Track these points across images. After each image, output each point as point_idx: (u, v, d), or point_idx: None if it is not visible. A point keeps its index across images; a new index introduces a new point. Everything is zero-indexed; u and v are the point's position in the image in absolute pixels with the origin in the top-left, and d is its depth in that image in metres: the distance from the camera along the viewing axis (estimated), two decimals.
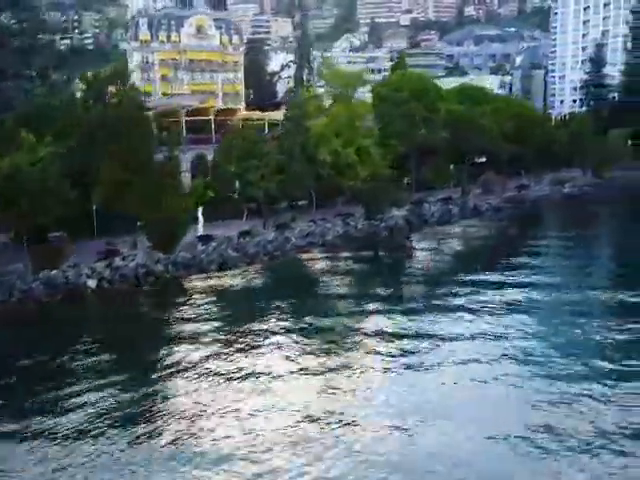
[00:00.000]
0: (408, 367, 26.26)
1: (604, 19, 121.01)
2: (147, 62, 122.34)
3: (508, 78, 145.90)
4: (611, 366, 25.74)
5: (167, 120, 74.36)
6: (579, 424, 21.04)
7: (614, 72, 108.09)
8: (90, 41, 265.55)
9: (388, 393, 24.07)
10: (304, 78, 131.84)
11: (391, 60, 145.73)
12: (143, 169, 42.37)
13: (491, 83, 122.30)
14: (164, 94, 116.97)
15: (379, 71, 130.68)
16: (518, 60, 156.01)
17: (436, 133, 60.30)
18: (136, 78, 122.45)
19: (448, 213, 63.50)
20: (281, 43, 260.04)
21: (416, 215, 61.50)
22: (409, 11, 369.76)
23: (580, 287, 38.60)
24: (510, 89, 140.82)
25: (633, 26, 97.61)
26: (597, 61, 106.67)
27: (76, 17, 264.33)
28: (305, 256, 49.16)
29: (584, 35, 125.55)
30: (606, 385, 23.89)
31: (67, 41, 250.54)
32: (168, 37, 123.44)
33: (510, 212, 68.66)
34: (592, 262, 48.94)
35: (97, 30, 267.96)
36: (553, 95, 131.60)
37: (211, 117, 77.81)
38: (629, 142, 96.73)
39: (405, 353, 27.77)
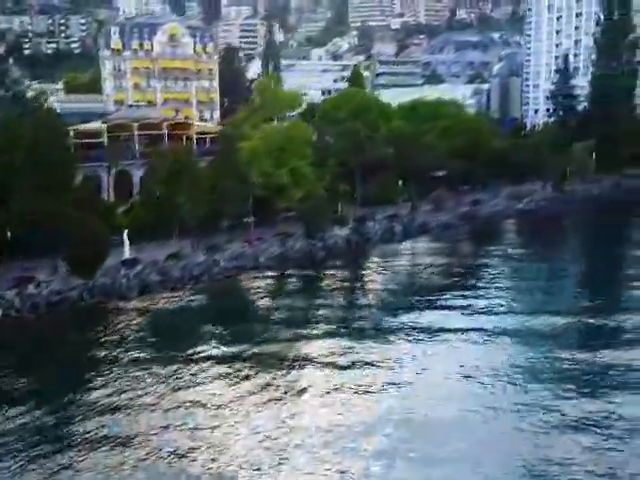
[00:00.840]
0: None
1: (576, 29, 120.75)
2: (119, 70, 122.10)
3: (486, 86, 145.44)
4: None
5: (122, 134, 74.27)
6: None
7: (584, 82, 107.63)
8: (77, 45, 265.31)
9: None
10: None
11: (366, 68, 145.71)
12: (59, 189, 41.97)
13: (463, 93, 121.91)
14: (136, 102, 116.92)
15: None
16: (496, 68, 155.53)
17: (378, 151, 59.97)
18: (109, 86, 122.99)
19: (391, 231, 63.15)
20: (278, 47, 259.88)
21: (359, 233, 61.21)
22: (401, 15, 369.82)
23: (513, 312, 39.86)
24: (488, 98, 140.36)
25: (597, 37, 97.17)
26: (565, 71, 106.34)
27: (62, 21, 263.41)
28: (233, 280, 48.86)
29: (557, 45, 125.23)
30: None
31: (54, 45, 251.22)
32: (140, 45, 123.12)
33: (459, 229, 68.38)
34: (532, 284, 48.82)
35: (84, 34, 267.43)
36: (527, 104, 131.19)
37: (164, 131, 77.15)
38: (594, 154, 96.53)
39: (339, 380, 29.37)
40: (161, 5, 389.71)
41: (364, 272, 54.16)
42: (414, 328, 36.66)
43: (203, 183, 49.92)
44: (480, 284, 47.21)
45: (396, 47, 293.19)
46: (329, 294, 46.00)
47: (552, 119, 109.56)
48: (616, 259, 57.05)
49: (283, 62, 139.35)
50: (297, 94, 64.74)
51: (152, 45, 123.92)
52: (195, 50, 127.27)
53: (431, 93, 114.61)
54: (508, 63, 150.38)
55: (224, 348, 34.61)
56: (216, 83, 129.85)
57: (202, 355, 33.32)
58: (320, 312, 41.00)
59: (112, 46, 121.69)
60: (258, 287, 47.98)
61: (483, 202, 76.38)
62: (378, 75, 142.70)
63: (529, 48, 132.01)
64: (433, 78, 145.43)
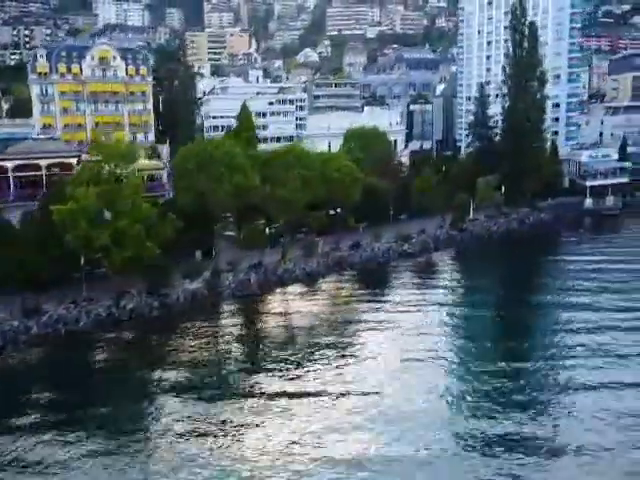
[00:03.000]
0: None
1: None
2: (46, 94, 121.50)
3: (428, 107, 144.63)
4: None
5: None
6: None
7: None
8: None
9: None
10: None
11: (304, 90, 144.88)
12: None
13: (390, 118, 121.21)
14: (65, 125, 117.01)
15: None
16: (440, 88, 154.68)
17: (224, 204, 59.33)
18: (36, 110, 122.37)
19: (247, 283, 62.33)
20: (230, 61, 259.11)
21: (212, 286, 60.42)
22: (379, 23, 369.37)
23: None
24: (411, 122, 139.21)
25: (507, 70, 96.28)
26: (482, 100, 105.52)
27: (27, 32, 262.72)
28: (38, 351, 47.83)
29: (488, 69, 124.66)
30: None
31: (17, 56, 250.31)
32: (68, 69, 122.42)
33: (326, 278, 67.58)
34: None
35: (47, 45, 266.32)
36: (461, 128, 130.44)
37: (43, 172, 76.38)
38: (503, 187, 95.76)
39: None
40: (140, 12, 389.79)
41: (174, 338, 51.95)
42: None
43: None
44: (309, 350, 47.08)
45: (367, 57, 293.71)
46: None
47: (470, 149, 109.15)
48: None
49: (218, 84, 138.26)
50: (134, 147, 63.79)
51: (81, 68, 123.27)
52: (127, 72, 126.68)
53: (359, 119, 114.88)
54: (452, 83, 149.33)
55: None
56: (150, 105, 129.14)
57: None
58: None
59: (38, 70, 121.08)
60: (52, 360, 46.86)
61: (365, 245, 75.45)
62: (316, 97, 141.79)
63: (462, 72, 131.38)
64: (374, 99, 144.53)
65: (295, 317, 57.46)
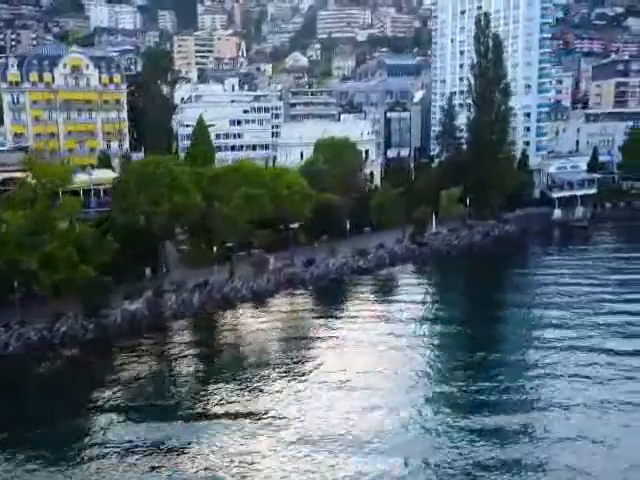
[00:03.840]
0: None
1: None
2: (17, 103, 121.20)
3: (405, 114, 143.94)
4: None
5: None
6: None
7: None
8: None
9: None
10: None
11: (280, 99, 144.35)
12: None
13: (362, 128, 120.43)
14: (36, 134, 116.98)
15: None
16: (418, 95, 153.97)
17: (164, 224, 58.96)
18: (7, 119, 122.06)
19: (189, 303, 61.90)
20: (216, 65, 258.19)
21: (153, 307, 59.94)
22: (370, 26, 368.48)
23: None
24: (389, 131, 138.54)
25: (471, 82, 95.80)
26: (449, 110, 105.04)
27: (13, 36, 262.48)
28: None
29: (461, 78, 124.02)
30: None
31: (3, 60, 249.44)
32: (40, 77, 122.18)
33: (274, 296, 67.04)
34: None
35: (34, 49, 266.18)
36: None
37: None
38: (468, 200, 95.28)
39: None
40: (132, 15, 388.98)
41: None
42: None
43: None
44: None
45: (354, 61, 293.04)
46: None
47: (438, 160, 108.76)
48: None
49: (192, 93, 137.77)
50: (68, 169, 63.26)
51: (53, 77, 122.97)
52: (101, 81, 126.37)
53: (331, 129, 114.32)
54: (430, 91, 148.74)
55: None
56: (125, 114, 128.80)
57: None
58: None
59: (9, 78, 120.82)
60: None
61: (319, 261, 74.97)
62: (292, 105, 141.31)
63: (436, 80, 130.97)
64: (351, 107, 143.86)
65: (237, 336, 57.27)
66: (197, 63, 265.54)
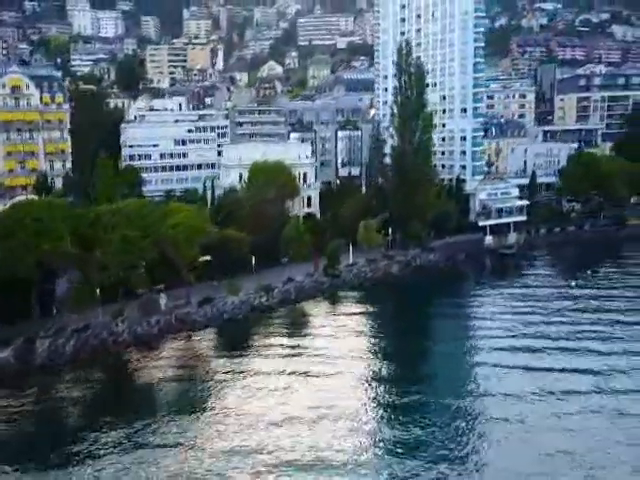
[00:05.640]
0: None
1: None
2: None
3: (356, 133, 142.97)
4: None
5: None
6: None
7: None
8: None
9: None
10: None
11: (226, 117, 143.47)
12: None
13: (299, 152, 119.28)
14: None
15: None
16: (372, 112, 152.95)
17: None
18: None
19: (62, 351, 60.74)
20: (184, 76, 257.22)
21: (21, 356, 58.75)
22: (352, 33, 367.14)
23: None
24: (351, 147, 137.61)
25: (393, 111, 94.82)
26: (377, 137, 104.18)
27: None
28: None
29: (385, 102, 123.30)
30: None
31: None
32: None
33: (158, 341, 65.55)
34: None
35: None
36: None
37: None
38: (391, 229, 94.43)
39: None
40: (114, 21, 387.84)
41: None
42: None
43: None
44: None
45: (330, 70, 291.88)
46: None
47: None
48: None
49: (135, 112, 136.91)
50: None
51: None
52: (42, 101, 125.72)
53: (271, 151, 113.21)
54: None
55: None
56: (67, 133, 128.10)
57: None
58: None
59: None
60: None
61: (218, 300, 73.64)
62: (239, 124, 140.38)
63: (378, 101, 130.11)
64: (301, 126, 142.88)
65: (110, 386, 56.28)
66: (170, 73, 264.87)
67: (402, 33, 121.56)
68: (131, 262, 62.55)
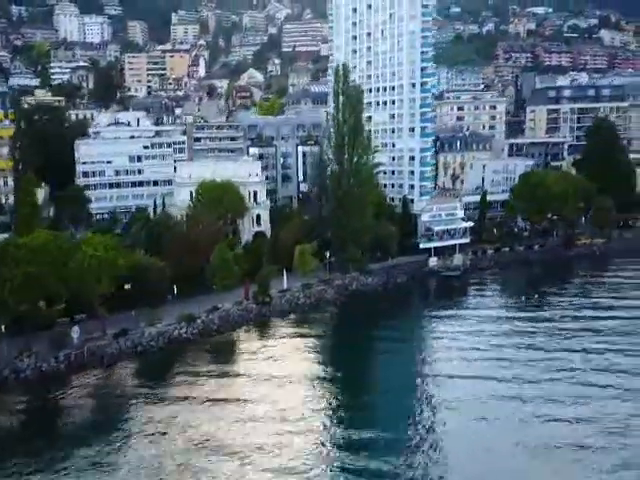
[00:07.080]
0: None
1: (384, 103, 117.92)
2: None
3: (316, 148, 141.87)
4: None
5: None
6: None
7: None
8: None
9: None
10: None
11: (184, 133, 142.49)
12: None
13: (250, 169, 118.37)
14: None
15: None
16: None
17: None
18: None
19: None
20: (175, 84, 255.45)
21: None
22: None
23: None
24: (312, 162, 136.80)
25: (329, 135, 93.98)
26: (319, 160, 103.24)
27: None
28: None
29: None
30: None
31: None
32: None
33: (66, 379, 64.10)
34: None
35: None
36: None
37: None
38: (328, 255, 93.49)
39: None
40: (100, 26, 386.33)
41: None
42: None
43: None
44: None
45: (310, 78, 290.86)
46: None
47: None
48: None
49: (93, 129, 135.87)
50: None
51: None
52: None
53: (221, 168, 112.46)
54: None
55: None
56: (6, 150, 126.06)
57: None
58: None
59: None
60: None
61: (132, 331, 72.64)
62: (197, 140, 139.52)
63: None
64: (260, 141, 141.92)
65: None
66: (148, 81, 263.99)
67: (354, 51, 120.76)
68: (33, 298, 61.67)
